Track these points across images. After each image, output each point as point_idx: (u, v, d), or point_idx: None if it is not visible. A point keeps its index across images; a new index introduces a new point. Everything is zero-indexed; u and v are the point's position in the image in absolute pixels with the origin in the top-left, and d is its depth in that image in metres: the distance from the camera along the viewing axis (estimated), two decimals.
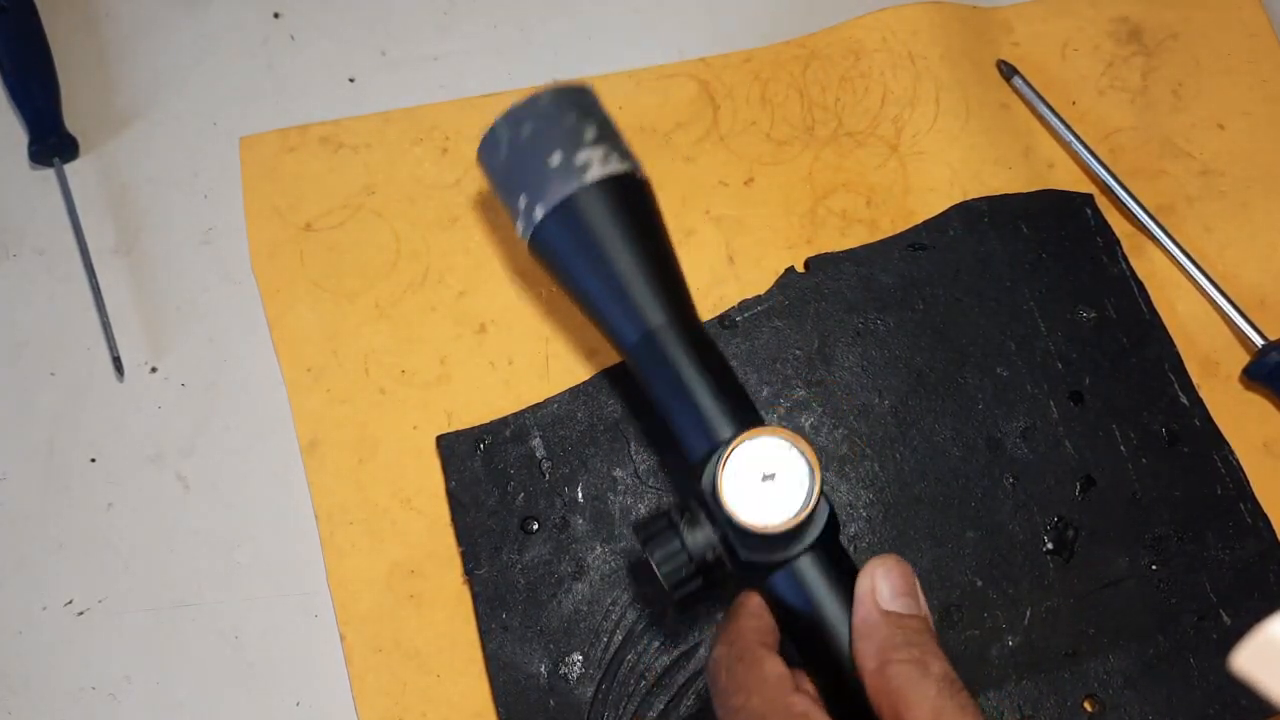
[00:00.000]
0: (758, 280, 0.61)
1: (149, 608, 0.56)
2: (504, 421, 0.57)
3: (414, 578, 0.55)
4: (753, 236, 0.62)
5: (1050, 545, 0.59)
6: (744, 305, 0.60)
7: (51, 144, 0.60)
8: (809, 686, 0.39)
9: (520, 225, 0.47)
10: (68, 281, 0.59)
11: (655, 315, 0.43)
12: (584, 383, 0.60)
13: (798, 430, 0.60)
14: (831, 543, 0.40)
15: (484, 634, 0.55)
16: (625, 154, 0.46)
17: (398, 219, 0.61)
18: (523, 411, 0.57)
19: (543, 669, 0.55)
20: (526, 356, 0.59)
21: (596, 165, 0.45)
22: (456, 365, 0.59)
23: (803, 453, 0.39)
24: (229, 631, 0.54)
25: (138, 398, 0.58)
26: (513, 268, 0.61)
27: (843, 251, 0.61)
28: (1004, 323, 0.62)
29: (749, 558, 0.39)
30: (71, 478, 0.56)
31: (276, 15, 0.69)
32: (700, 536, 0.39)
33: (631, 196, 0.45)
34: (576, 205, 0.44)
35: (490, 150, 0.47)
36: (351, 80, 0.64)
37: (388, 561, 0.55)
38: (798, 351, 0.60)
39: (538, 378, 0.59)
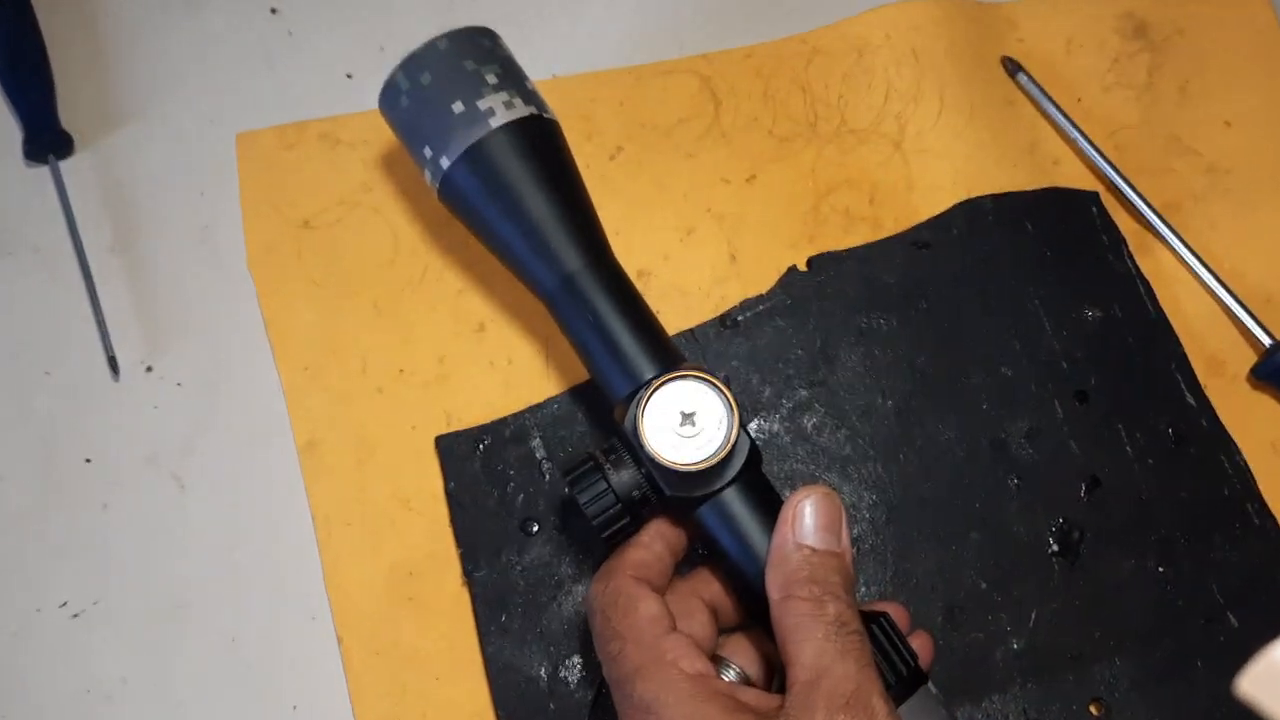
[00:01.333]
0: (760, 278, 0.60)
1: (146, 609, 0.55)
2: (503, 422, 0.56)
3: (412, 579, 0.54)
4: (755, 234, 0.61)
5: (1055, 547, 0.58)
6: (746, 305, 0.59)
7: (46, 141, 0.59)
8: (701, 619, 0.40)
9: (428, 175, 0.46)
10: (63, 280, 0.58)
11: (572, 259, 0.43)
12: (584, 383, 0.59)
13: (800, 431, 0.59)
14: (755, 476, 0.42)
15: (483, 636, 0.53)
16: (530, 96, 0.46)
17: (396, 216, 0.60)
18: (522, 412, 0.57)
19: (543, 672, 0.53)
20: (526, 356, 0.58)
21: (500, 110, 0.44)
22: (455, 364, 0.58)
23: (721, 393, 0.40)
24: (226, 633, 0.54)
25: (133, 397, 0.57)
26: None
27: (845, 250, 0.61)
28: (1008, 322, 0.61)
29: (675, 494, 0.41)
30: (67, 478, 0.56)
31: (274, 11, 0.68)
32: (625, 476, 0.41)
33: (539, 139, 0.44)
34: (483, 152, 0.44)
35: (391, 101, 0.47)
36: (349, 76, 0.64)
37: (386, 563, 0.54)
38: (800, 351, 0.59)
39: (538, 377, 0.58)
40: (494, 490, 0.55)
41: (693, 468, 0.39)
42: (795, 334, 0.59)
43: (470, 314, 0.59)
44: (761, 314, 0.60)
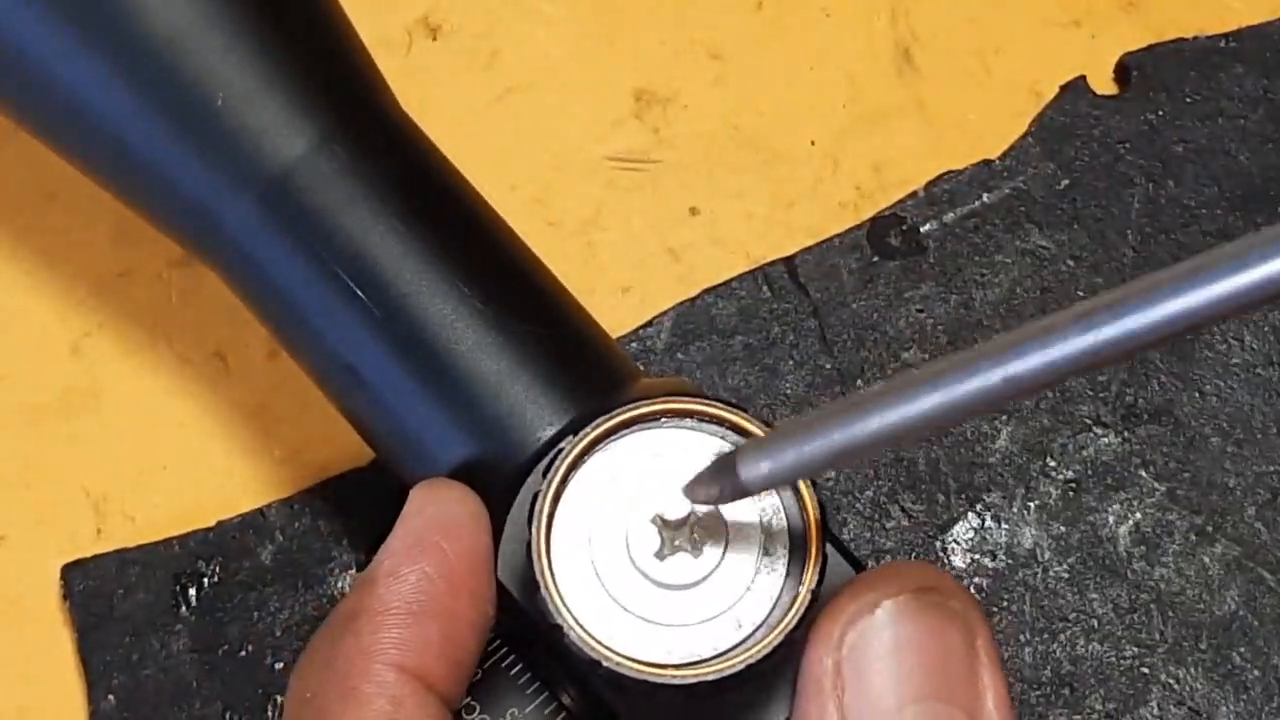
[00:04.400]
0: (980, 118, 0.30)
1: None
2: (258, 518, 0.28)
3: None
4: None
5: None
6: (943, 190, 0.29)
7: None
8: None
9: None
10: None
11: (300, 126, 0.23)
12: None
13: (1094, 539, 0.28)
14: None
15: None
16: None
17: None
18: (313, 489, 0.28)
19: None
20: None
21: None
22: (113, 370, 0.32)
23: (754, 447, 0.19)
24: None
25: None
26: None
27: (1214, 38, 0.30)
28: None
29: None
30: None
31: None
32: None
33: None
34: None
35: None
36: None
37: None
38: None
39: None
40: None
41: (694, 674, 0.19)
42: (1083, 269, 0.29)
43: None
44: (989, 212, 0.29)
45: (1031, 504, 0.25)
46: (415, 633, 0.20)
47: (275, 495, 0.27)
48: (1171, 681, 0.24)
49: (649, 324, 0.26)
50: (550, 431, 0.21)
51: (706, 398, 0.21)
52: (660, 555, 0.20)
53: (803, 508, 0.20)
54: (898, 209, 0.27)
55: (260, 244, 0.22)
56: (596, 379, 0.22)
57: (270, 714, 0.25)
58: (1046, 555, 0.25)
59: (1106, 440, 0.26)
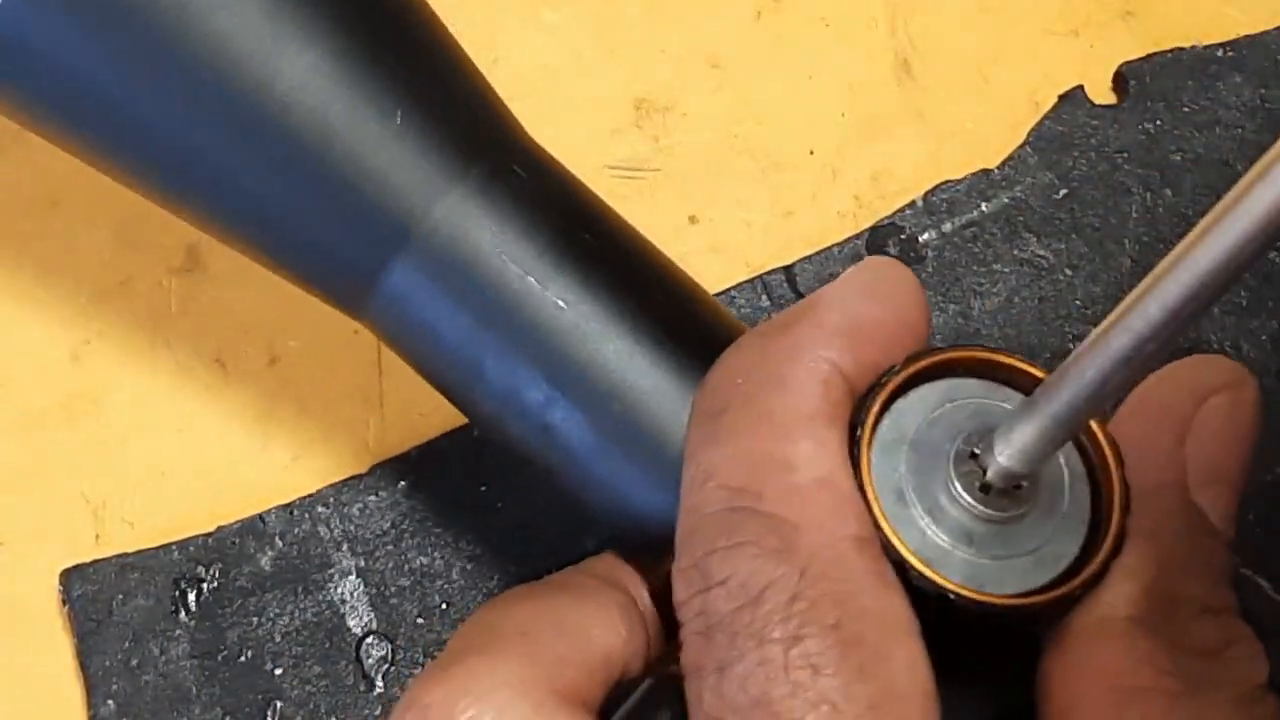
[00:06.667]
0: (979, 127, 0.29)
1: None
2: (258, 524, 0.27)
3: None
4: (955, 7, 0.30)
5: None
6: (940, 201, 0.28)
7: None
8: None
9: None
10: None
11: (443, 163, 0.21)
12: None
13: None
14: None
15: None
16: None
17: None
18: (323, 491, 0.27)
19: None
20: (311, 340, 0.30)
21: None
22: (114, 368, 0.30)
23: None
24: None
25: None
26: None
27: (1212, 48, 0.29)
28: None
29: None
30: None
31: None
32: None
33: None
34: None
35: None
36: None
37: None
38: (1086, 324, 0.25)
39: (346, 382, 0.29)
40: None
41: (1028, 601, 0.19)
42: (1081, 278, 0.28)
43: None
44: (987, 222, 0.28)
45: None
46: (849, 345, 0.19)
47: (274, 501, 0.26)
48: None
49: None
50: None
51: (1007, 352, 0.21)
52: (976, 493, 0.20)
53: (1097, 446, 0.20)
54: (896, 218, 0.26)
55: (421, 296, 0.22)
56: None
57: (269, 719, 0.24)
58: None
59: None
